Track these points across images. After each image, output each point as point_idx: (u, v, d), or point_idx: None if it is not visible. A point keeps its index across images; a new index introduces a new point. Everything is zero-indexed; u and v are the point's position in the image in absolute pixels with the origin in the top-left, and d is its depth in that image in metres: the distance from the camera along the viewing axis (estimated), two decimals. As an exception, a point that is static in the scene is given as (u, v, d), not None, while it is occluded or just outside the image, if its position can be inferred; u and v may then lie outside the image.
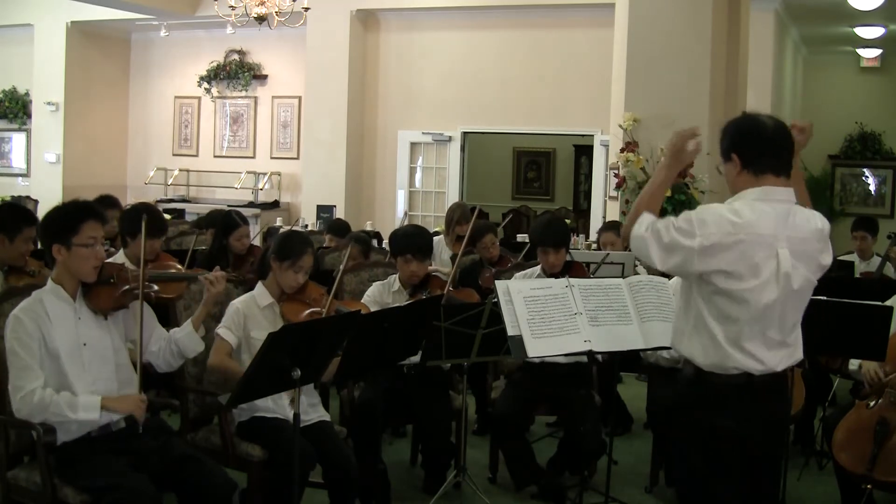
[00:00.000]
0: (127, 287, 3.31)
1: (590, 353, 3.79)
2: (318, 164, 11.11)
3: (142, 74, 13.27)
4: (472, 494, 4.30)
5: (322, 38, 10.89)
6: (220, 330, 3.75)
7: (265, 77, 12.37)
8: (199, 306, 3.55)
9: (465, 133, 11.09)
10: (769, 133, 2.75)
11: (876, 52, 12.70)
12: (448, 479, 4.38)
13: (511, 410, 4.48)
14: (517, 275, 4.88)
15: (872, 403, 3.98)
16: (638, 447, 5.26)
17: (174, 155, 13.00)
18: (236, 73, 12.34)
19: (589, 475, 4.50)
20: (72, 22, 12.32)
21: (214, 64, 12.47)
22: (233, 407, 3.61)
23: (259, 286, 3.90)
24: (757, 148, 2.75)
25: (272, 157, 12.40)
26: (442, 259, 6.47)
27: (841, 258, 6.52)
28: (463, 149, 11.11)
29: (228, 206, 9.25)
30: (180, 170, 12.79)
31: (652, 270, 4.14)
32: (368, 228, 8.47)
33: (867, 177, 13.28)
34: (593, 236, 8.78)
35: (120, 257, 4.63)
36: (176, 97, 12.98)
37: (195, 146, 12.91)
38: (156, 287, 3.47)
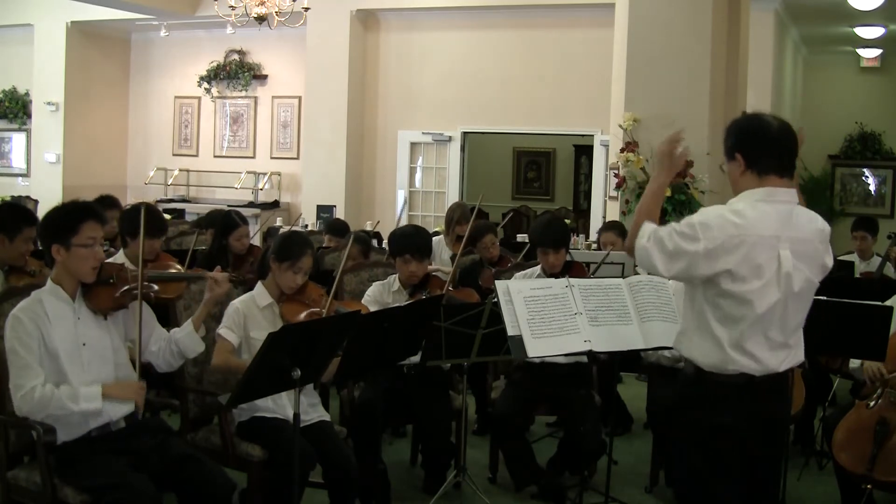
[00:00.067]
0: (126, 287, 3.31)
1: (590, 353, 3.80)
2: (318, 164, 11.12)
3: (142, 74, 13.27)
4: (472, 494, 4.30)
5: (322, 38, 10.89)
6: (221, 330, 3.75)
7: (265, 77, 12.37)
8: (200, 306, 3.55)
9: (465, 133, 11.09)
10: (774, 133, 2.75)
11: (876, 52, 12.70)
12: (448, 479, 4.38)
13: (511, 410, 4.48)
14: (517, 275, 4.88)
15: (872, 403, 3.98)
16: (638, 447, 5.26)
17: (174, 155, 13.00)
18: (236, 73, 12.34)
19: (589, 475, 4.50)
20: (72, 22, 12.32)
21: (214, 64, 12.48)
22: (233, 407, 3.61)
23: (259, 286, 3.90)
24: (761, 148, 2.75)
25: (272, 157, 12.41)
26: (442, 259, 6.47)
27: (841, 258, 6.52)
28: (463, 149, 11.11)
29: (228, 206, 9.25)
30: (180, 170, 12.79)
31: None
32: (368, 228, 8.47)
33: (867, 177, 13.28)
34: (593, 236, 8.78)
35: (120, 257, 4.63)
36: (176, 97, 12.98)
37: (195, 146, 12.91)
38: (156, 287, 3.48)
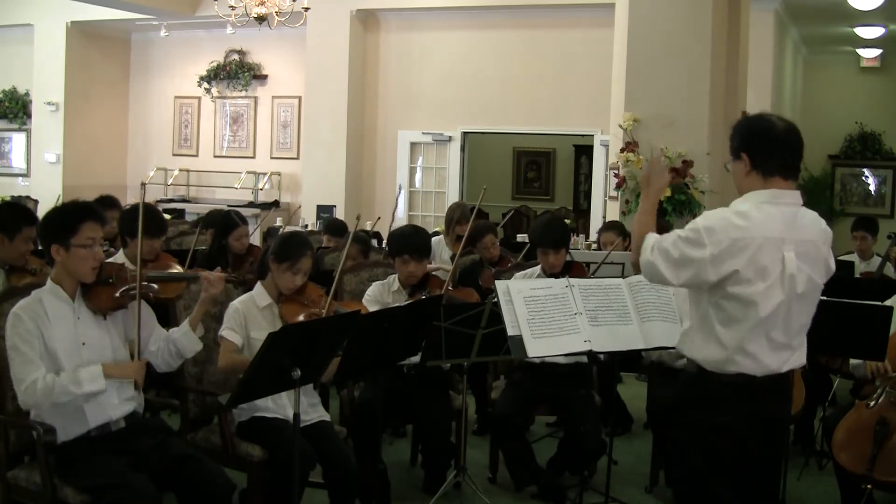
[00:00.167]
0: (126, 287, 3.31)
1: (590, 353, 3.80)
2: (318, 164, 11.11)
3: (142, 74, 13.27)
4: (472, 494, 4.30)
5: (322, 38, 10.89)
6: (224, 332, 3.75)
7: (265, 77, 12.37)
8: (196, 306, 3.54)
9: (465, 133, 11.09)
10: (780, 135, 2.75)
11: (876, 52, 12.70)
12: (448, 479, 4.38)
13: (511, 410, 4.48)
14: (517, 275, 4.88)
15: (872, 403, 3.98)
16: (638, 447, 5.26)
17: (174, 155, 13.00)
18: (236, 73, 12.34)
19: (589, 475, 4.50)
20: (72, 22, 12.32)
21: (214, 64, 12.47)
22: (233, 407, 3.61)
23: (258, 286, 3.90)
24: (767, 149, 2.75)
25: (272, 157, 12.41)
26: (442, 259, 6.47)
27: (841, 258, 6.51)
28: (463, 149, 11.11)
29: (228, 206, 9.25)
30: (180, 170, 12.79)
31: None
32: (368, 227, 8.46)
33: (867, 177, 13.28)
34: (593, 236, 8.78)
35: (119, 257, 4.63)
36: (176, 97, 12.98)
37: (195, 146, 12.91)
38: (155, 287, 3.48)
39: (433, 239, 6.04)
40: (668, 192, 7.31)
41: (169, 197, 12.56)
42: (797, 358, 2.82)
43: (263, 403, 3.69)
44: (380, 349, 3.68)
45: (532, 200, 14.43)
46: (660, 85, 7.57)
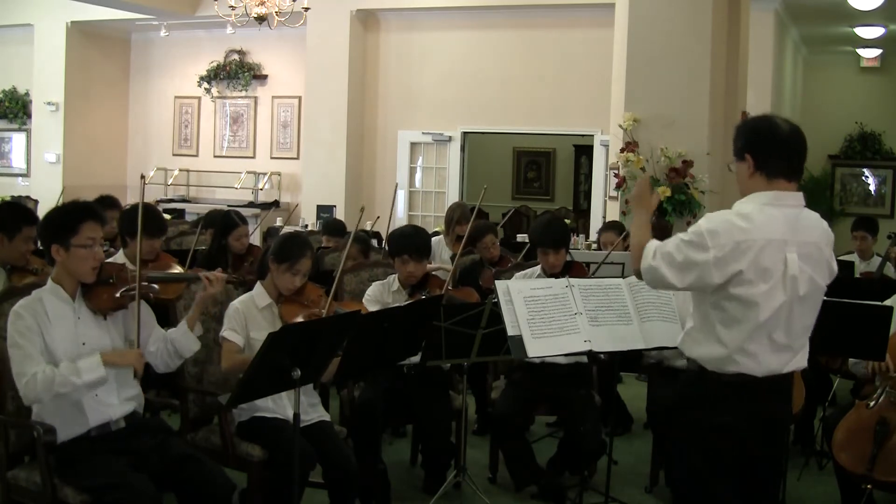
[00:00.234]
0: (126, 287, 3.30)
1: (590, 353, 3.80)
2: (318, 164, 11.11)
3: (142, 74, 13.27)
4: (472, 494, 4.30)
5: (322, 38, 10.89)
6: (225, 332, 3.74)
7: (265, 77, 12.37)
8: (193, 305, 3.54)
9: (465, 133, 11.09)
10: (784, 137, 2.76)
11: (876, 52, 12.70)
12: (448, 479, 4.38)
13: (511, 410, 4.48)
14: (517, 275, 4.88)
15: (872, 403, 3.98)
16: (638, 447, 5.26)
17: (174, 155, 13.00)
18: (236, 73, 12.34)
19: (589, 475, 4.50)
20: (72, 22, 12.32)
21: (214, 64, 12.47)
22: (233, 407, 3.61)
23: (258, 287, 3.90)
24: (771, 151, 2.75)
25: (272, 157, 12.41)
26: (442, 259, 6.47)
27: (841, 258, 6.50)
28: (463, 149, 11.11)
29: (228, 206, 9.25)
30: (180, 170, 12.79)
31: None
32: (368, 227, 8.46)
33: (867, 177, 13.29)
34: (593, 236, 8.78)
35: (119, 257, 4.63)
36: (176, 97, 12.98)
37: (195, 146, 12.91)
38: (156, 287, 3.47)
39: (433, 239, 6.04)
40: (667, 192, 7.31)
41: (169, 197, 12.56)
42: (799, 360, 2.82)
43: (263, 403, 3.69)
44: (380, 349, 3.68)
45: (532, 200, 14.43)
46: (660, 85, 7.57)
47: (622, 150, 7.62)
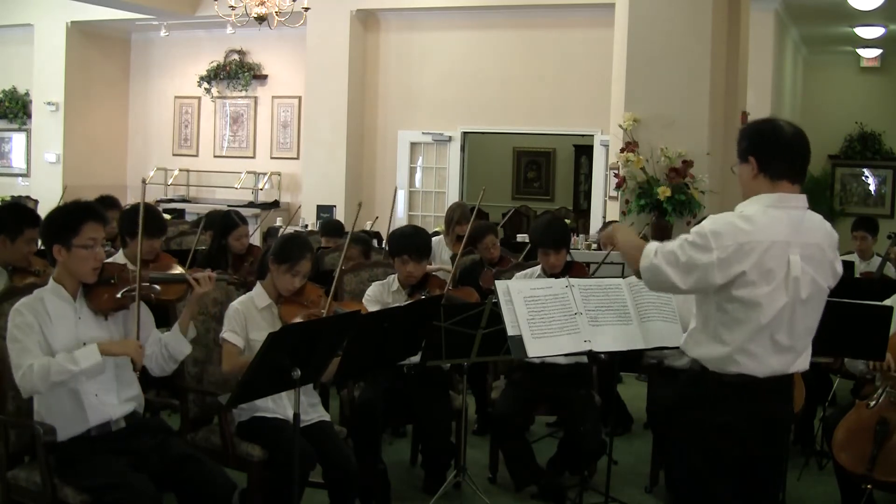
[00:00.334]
0: (127, 288, 3.30)
1: (590, 353, 3.80)
2: (318, 164, 11.12)
3: (142, 74, 13.27)
4: (472, 494, 4.30)
5: (322, 38, 10.89)
6: (225, 334, 3.74)
7: (265, 77, 12.38)
8: (184, 308, 3.51)
9: (465, 133, 11.10)
10: (788, 139, 2.76)
11: (876, 52, 12.70)
12: (448, 479, 4.38)
13: (511, 410, 4.48)
14: (517, 275, 4.88)
15: (873, 403, 3.98)
16: (638, 447, 5.26)
17: (174, 155, 13.01)
18: (236, 73, 12.35)
19: (589, 475, 4.50)
20: (72, 22, 12.33)
21: (214, 64, 12.48)
22: (233, 407, 3.61)
23: (258, 287, 3.90)
24: (775, 153, 2.75)
25: (272, 157, 12.41)
26: (442, 259, 6.47)
27: (841, 258, 6.51)
28: (463, 149, 11.11)
29: (228, 206, 9.25)
30: (180, 170, 12.80)
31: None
32: (367, 227, 8.46)
33: (867, 177, 13.29)
34: (593, 236, 8.78)
35: (119, 257, 4.62)
36: (176, 97, 12.98)
37: (195, 146, 12.92)
38: (158, 288, 3.46)
39: (433, 239, 6.04)
40: (668, 192, 7.32)
41: (169, 197, 12.57)
42: (801, 361, 2.82)
43: (263, 403, 3.69)
44: (380, 349, 3.68)
45: (532, 200, 14.42)
46: (660, 85, 7.57)
47: (622, 150, 7.63)
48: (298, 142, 12.05)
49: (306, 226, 9.82)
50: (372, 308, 4.26)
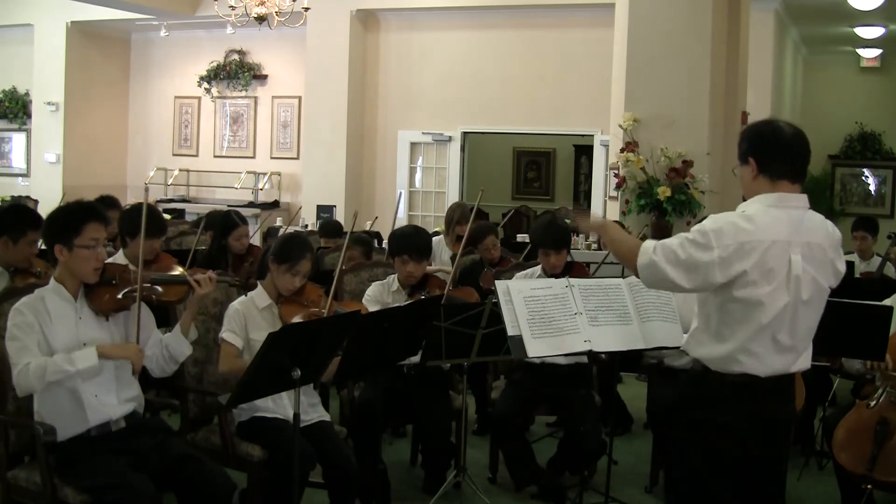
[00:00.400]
0: (129, 289, 3.30)
1: (590, 353, 3.80)
2: (318, 164, 11.12)
3: (142, 74, 13.27)
4: (472, 494, 4.30)
5: (322, 38, 10.89)
6: (225, 334, 3.74)
7: (265, 77, 12.38)
8: (186, 309, 3.51)
9: (465, 133, 11.10)
10: (787, 139, 2.76)
11: (876, 52, 12.71)
12: (448, 479, 4.38)
13: (511, 410, 4.48)
14: (518, 275, 4.88)
15: (873, 403, 3.99)
16: (638, 447, 5.26)
17: (174, 155, 13.01)
18: (236, 73, 12.35)
19: (589, 475, 4.50)
20: (72, 22, 12.33)
21: (214, 64, 12.48)
22: (233, 407, 3.61)
23: (258, 287, 3.90)
24: (774, 154, 2.75)
25: (272, 157, 12.41)
26: (442, 259, 6.47)
27: (841, 258, 6.51)
28: (463, 149, 11.11)
29: (228, 206, 9.25)
30: (180, 170, 12.80)
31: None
32: (367, 227, 8.45)
33: (867, 177, 13.29)
34: (593, 236, 8.78)
35: (120, 257, 4.63)
36: (176, 97, 12.98)
37: (195, 146, 12.92)
38: (159, 289, 3.45)
39: (433, 239, 6.04)
40: (667, 192, 7.32)
41: (169, 197, 12.56)
42: (802, 361, 2.82)
43: (263, 403, 3.69)
44: (380, 349, 3.68)
45: (532, 200, 14.41)
46: (660, 85, 7.57)
47: (622, 150, 7.63)
48: (298, 142, 12.05)
49: (306, 226, 9.81)
50: (372, 308, 4.26)
